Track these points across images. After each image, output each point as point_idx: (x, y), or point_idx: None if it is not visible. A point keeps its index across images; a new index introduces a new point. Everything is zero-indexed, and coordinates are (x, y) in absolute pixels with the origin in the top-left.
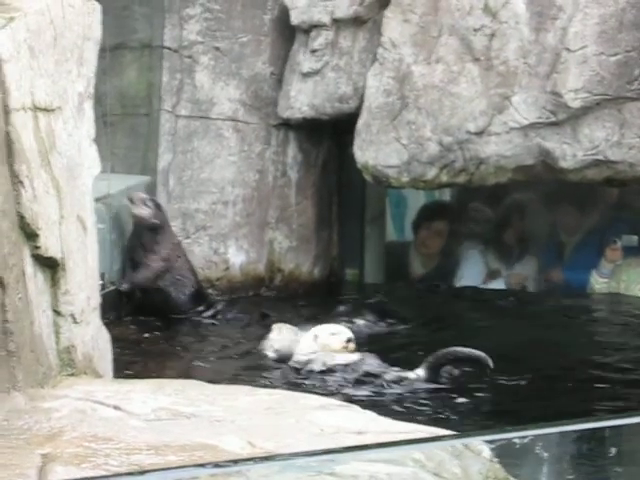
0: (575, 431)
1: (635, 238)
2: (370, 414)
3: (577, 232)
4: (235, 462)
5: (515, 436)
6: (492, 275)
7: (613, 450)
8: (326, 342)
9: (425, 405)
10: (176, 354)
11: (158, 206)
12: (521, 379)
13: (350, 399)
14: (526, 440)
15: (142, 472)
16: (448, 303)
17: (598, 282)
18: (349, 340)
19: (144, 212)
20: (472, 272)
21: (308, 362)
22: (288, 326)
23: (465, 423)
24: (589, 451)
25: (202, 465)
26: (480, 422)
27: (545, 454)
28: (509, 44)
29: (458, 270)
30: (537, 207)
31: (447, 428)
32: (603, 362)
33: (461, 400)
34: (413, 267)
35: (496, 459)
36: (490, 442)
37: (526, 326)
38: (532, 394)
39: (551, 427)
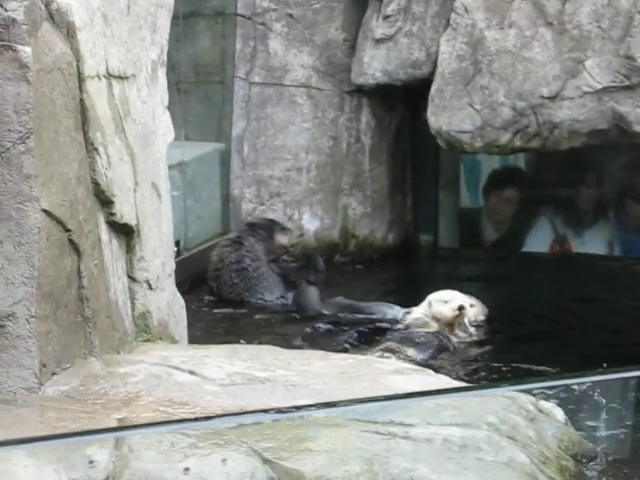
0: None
1: None
2: (444, 378)
3: None
4: (298, 408)
5: (574, 382)
6: (559, 240)
7: None
8: (438, 309)
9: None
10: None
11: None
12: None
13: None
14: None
15: (207, 418)
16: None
17: None
18: (461, 307)
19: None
20: (539, 238)
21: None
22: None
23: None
24: None
25: (265, 411)
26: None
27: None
28: (582, 8)
29: (527, 236)
30: (614, 172)
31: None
32: None
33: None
34: (485, 233)
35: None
36: (549, 389)
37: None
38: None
39: (608, 374)
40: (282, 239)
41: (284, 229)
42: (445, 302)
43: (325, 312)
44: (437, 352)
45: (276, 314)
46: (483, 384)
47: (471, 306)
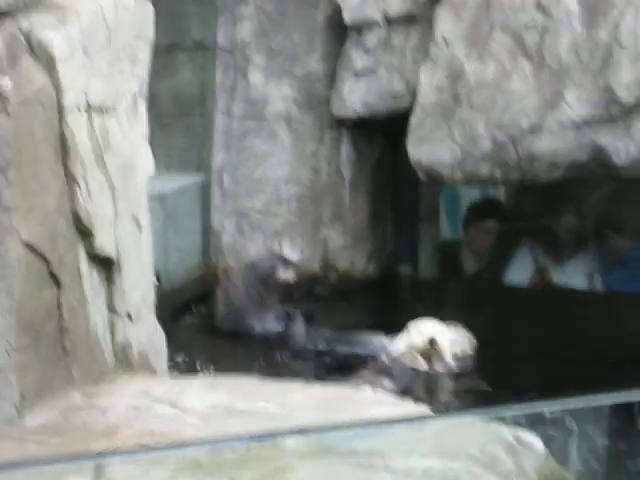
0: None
1: None
2: (425, 409)
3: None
4: (273, 436)
5: (548, 408)
6: (540, 271)
7: None
8: (412, 340)
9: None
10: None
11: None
12: None
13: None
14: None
15: (186, 445)
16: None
17: None
18: (432, 341)
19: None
20: (519, 269)
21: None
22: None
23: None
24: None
25: (239, 438)
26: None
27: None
28: (561, 40)
29: (507, 267)
30: (594, 204)
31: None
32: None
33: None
34: (465, 264)
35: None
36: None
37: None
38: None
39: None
40: (284, 275)
41: (288, 264)
42: (419, 332)
43: (309, 346)
44: (411, 383)
45: (261, 344)
46: (460, 410)
47: (450, 338)
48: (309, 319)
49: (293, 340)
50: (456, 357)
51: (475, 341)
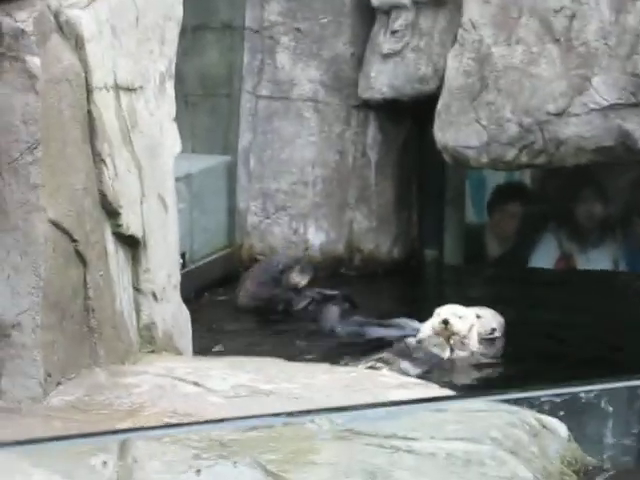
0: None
1: None
2: (447, 392)
3: None
4: (308, 412)
5: (577, 390)
6: (565, 256)
7: None
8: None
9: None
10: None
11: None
12: None
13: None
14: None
15: (220, 420)
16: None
17: None
18: (445, 322)
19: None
20: (544, 253)
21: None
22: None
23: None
24: None
25: (277, 414)
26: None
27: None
28: (589, 25)
29: (532, 252)
30: (620, 189)
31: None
32: None
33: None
34: (490, 249)
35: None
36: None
37: None
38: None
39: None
40: (296, 278)
41: (304, 270)
42: (439, 316)
43: (340, 330)
44: (433, 367)
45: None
46: (484, 393)
47: (477, 317)
48: (347, 302)
49: (325, 322)
50: (483, 341)
51: (504, 323)
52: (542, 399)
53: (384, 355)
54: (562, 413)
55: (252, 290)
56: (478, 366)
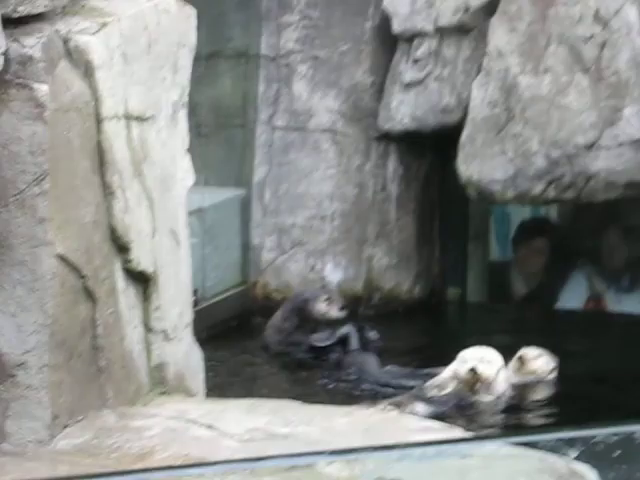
0: None
1: None
2: (470, 437)
3: None
4: (353, 451)
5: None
6: (595, 297)
7: None
8: (456, 368)
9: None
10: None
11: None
12: None
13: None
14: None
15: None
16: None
17: None
18: (473, 370)
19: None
20: (573, 293)
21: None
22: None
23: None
24: None
25: (319, 453)
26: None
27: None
28: (620, 54)
29: (560, 291)
30: None
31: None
32: None
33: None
34: (515, 286)
35: None
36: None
37: None
38: None
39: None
40: (323, 308)
41: (331, 300)
42: (464, 361)
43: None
44: (450, 410)
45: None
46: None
47: (537, 357)
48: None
49: (365, 375)
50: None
51: (553, 364)
52: (573, 444)
53: (398, 399)
54: (593, 459)
55: (277, 325)
56: (506, 410)
